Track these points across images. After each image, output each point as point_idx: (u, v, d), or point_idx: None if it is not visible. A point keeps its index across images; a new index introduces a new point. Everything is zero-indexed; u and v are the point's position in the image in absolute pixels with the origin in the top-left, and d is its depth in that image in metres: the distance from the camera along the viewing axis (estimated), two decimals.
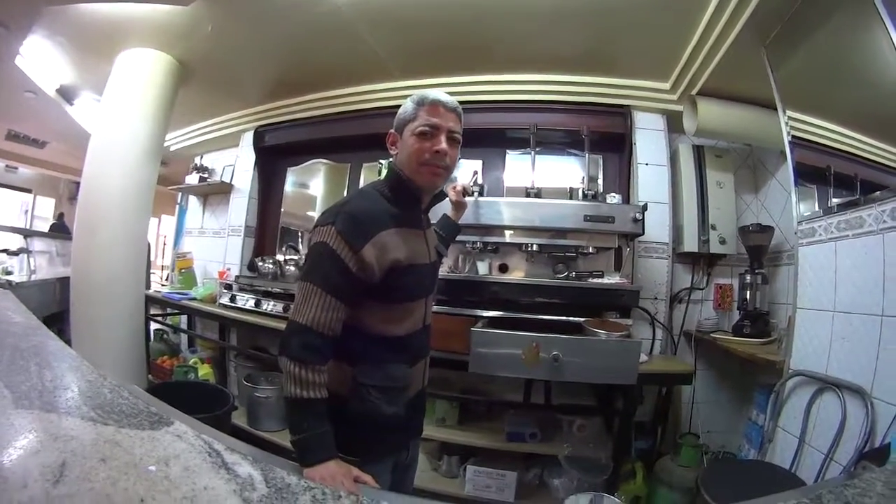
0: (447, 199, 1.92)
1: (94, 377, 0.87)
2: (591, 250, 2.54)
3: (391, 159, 1.37)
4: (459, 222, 1.98)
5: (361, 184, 3.66)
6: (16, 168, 8.24)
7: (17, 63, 3.58)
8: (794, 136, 2.18)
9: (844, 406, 1.70)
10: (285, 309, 2.98)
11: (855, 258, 1.78)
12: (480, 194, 2.77)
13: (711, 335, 2.82)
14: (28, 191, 9.10)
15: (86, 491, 0.52)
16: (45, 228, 7.85)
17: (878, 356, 1.61)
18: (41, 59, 3.61)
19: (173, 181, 4.87)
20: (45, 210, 9.36)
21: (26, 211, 9.11)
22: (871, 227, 1.72)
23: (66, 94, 4.19)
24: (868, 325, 1.67)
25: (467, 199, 2.08)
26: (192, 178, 4.55)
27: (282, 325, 2.77)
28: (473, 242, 2.62)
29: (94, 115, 3.75)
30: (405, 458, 1.42)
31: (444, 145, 1.28)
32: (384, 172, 2.69)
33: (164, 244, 8.23)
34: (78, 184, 3.32)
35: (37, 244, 4.09)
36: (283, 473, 0.62)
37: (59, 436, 0.63)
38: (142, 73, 3.26)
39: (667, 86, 2.98)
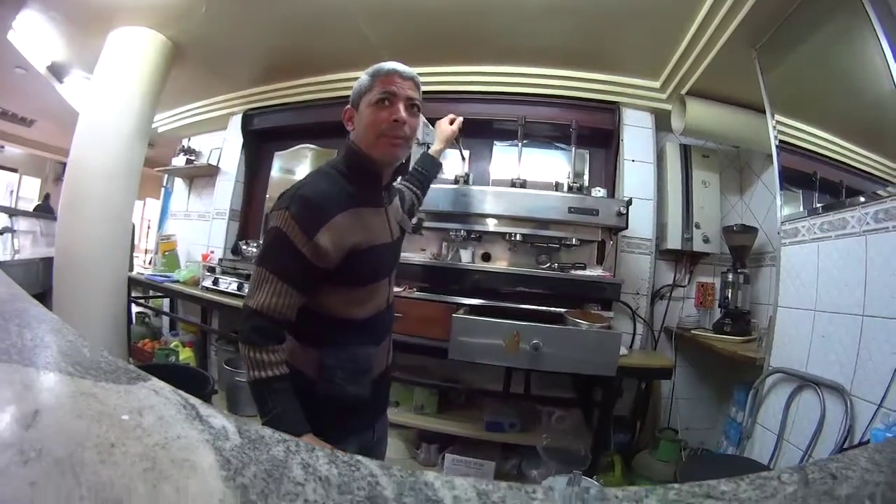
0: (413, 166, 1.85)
1: (74, 338, 0.86)
2: (574, 242, 2.55)
3: (348, 136, 1.31)
4: (442, 160, 1.92)
5: None
6: (2, 147, 8.10)
7: (9, 38, 3.52)
8: (781, 141, 2.21)
9: (823, 403, 1.73)
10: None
11: (837, 259, 1.81)
12: (466, 182, 2.77)
13: (692, 332, 2.85)
14: (14, 170, 8.93)
15: (57, 435, 0.52)
16: (30, 209, 7.73)
17: (857, 354, 1.64)
18: (33, 34, 3.53)
19: (160, 163, 4.81)
20: (30, 191, 9.21)
21: (11, 191, 8.96)
22: (853, 229, 1.74)
23: (57, 71, 4.11)
24: (848, 324, 1.69)
25: (454, 126, 1.97)
26: (179, 161, 4.51)
27: None
28: (457, 230, 2.62)
29: (83, 93, 3.68)
30: (370, 438, 1.41)
31: (402, 113, 1.22)
32: None
33: (149, 228, 8.14)
34: (64, 164, 3.27)
35: (21, 224, 4.04)
36: (257, 426, 0.62)
37: (34, 387, 0.63)
38: (134, 51, 3.21)
39: (657, 84, 3.00)
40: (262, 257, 1.17)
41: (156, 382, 0.70)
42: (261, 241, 1.22)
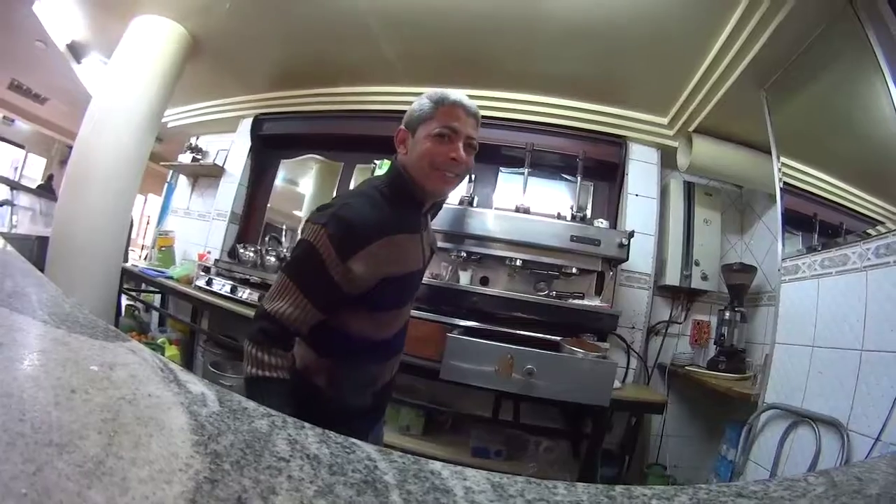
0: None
1: (56, 293, 0.84)
2: (574, 271, 2.54)
3: (395, 157, 1.26)
4: None
5: (352, 184, 3.65)
6: (12, 121, 8.06)
7: (34, 9, 3.51)
8: (785, 183, 2.21)
9: (819, 439, 1.69)
10: (261, 298, 2.92)
11: (837, 295, 1.79)
12: (471, 204, 2.77)
13: (686, 368, 2.83)
14: (21, 146, 8.91)
15: (12, 371, 0.50)
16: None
17: (855, 389, 1.61)
18: (58, 8, 3.53)
19: (166, 159, 4.81)
20: (34, 171, 9.17)
21: (16, 168, 8.93)
22: (854, 265, 1.73)
23: (76, 51, 4.09)
24: (847, 359, 1.67)
25: None
26: (185, 158, 4.50)
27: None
28: (458, 251, 2.61)
29: (99, 76, 3.68)
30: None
31: (461, 153, 1.18)
32: (379, 171, 2.68)
33: (148, 223, 8.11)
34: (71, 147, 3.25)
35: (22, 199, 4.02)
36: (240, 398, 0.59)
37: (2, 325, 0.60)
38: (153, 40, 3.22)
39: (665, 120, 3.03)
40: (290, 265, 1.15)
41: (135, 344, 0.68)
42: (289, 248, 1.20)
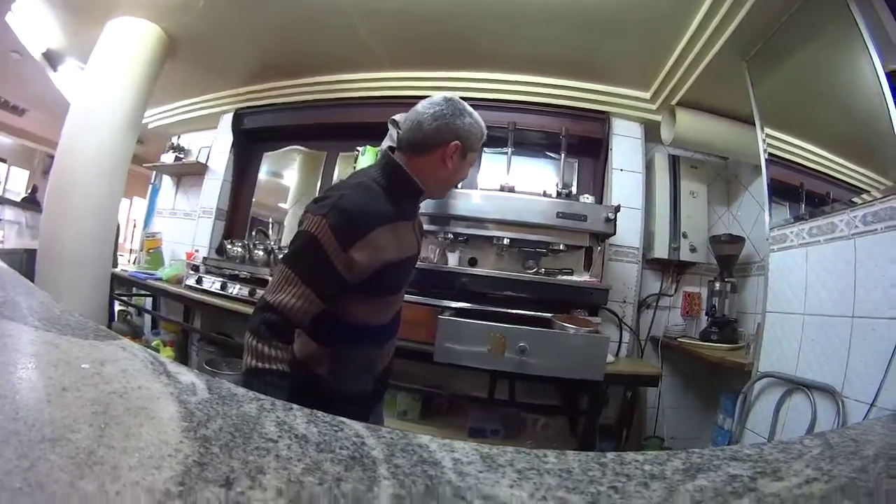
0: None
1: (46, 299, 0.85)
2: (561, 248, 2.55)
3: (388, 151, 1.32)
4: None
5: (336, 174, 3.65)
6: None
7: (7, 20, 3.45)
8: (770, 154, 2.21)
9: (814, 406, 1.72)
10: (251, 293, 2.92)
11: (826, 262, 1.81)
12: (455, 186, 2.76)
13: (678, 340, 2.86)
14: (2, 160, 8.79)
15: (5, 375, 0.51)
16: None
17: (848, 355, 1.63)
18: (31, 18, 3.48)
19: (149, 161, 4.76)
20: (17, 183, 9.05)
21: None
22: (842, 233, 1.74)
23: (52, 59, 4.02)
24: (839, 326, 1.69)
25: None
26: (168, 158, 4.47)
27: (246, 309, 2.71)
28: (445, 233, 2.60)
29: (76, 83, 3.63)
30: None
31: None
32: (362, 158, 2.66)
33: (134, 227, 8.03)
34: (53, 157, 3.21)
35: (7, 213, 3.97)
36: (229, 385, 0.60)
37: None
38: (129, 42, 3.17)
39: (647, 95, 3.02)
40: (290, 258, 1.17)
41: (126, 342, 0.69)
42: (290, 241, 1.21)
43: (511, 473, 0.45)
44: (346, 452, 0.46)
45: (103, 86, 3.16)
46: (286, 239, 3.70)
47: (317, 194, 3.62)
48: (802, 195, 2.06)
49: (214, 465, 0.39)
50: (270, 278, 1.21)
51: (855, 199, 1.72)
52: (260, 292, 2.85)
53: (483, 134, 1.32)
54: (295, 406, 0.56)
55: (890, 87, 1.55)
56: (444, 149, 1.25)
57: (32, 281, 3.09)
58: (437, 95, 1.29)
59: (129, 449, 0.39)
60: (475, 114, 1.30)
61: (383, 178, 1.26)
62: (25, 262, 3.60)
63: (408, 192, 1.29)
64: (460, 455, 0.48)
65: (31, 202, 7.33)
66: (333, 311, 1.20)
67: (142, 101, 3.34)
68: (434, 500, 0.39)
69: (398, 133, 2.21)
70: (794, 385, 1.86)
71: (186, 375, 0.60)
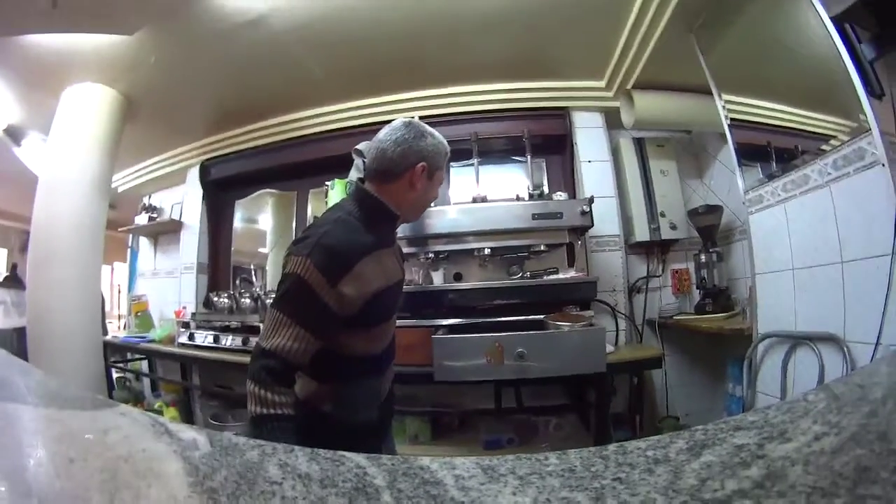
0: None
1: (41, 377, 0.85)
2: (542, 248, 2.55)
3: (355, 181, 1.35)
4: None
5: (310, 211, 3.66)
6: None
7: None
8: (732, 119, 2.24)
9: (820, 356, 1.72)
10: (244, 342, 2.91)
11: (805, 214, 1.83)
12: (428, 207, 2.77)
13: (674, 318, 2.87)
14: None
15: (11, 457, 0.52)
16: None
17: (845, 301, 1.64)
18: None
19: (123, 224, 4.73)
20: None
21: None
22: (816, 182, 1.76)
23: (13, 134, 3.97)
24: (829, 274, 1.70)
25: None
26: (142, 219, 4.45)
27: (242, 359, 2.69)
28: (426, 253, 2.61)
29: (41, 155, 3.61)
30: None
31: None
32: (332, 192, 2.66)
33: (119, 292, 7.95)
34: (29, 232, 3.19)
35: None
36: (230, 436, 0.61)
37: None
38: (87, 108, 3.17)
39: (602, 83, 3.06)
40: (280, 301, 1.17)
41: (124, 407, 0.70)
42: (276, 285, 1.22)
43: (513, 481, 0.45)
44: (350, 485, 0.47)
45: (68, 155, 3.15)
46: (271, 283, 3.69)
47: (293, 234, 3.66)
48: (772, 153, 2.09)
49: None
50: (262, 325, 1.23)
51: (823, 147, 1.74)
52: (253, 339, 2.84)
53: (447, 151, 1.35)
54: (296, 447, 0.57)
55: (837, 30, 1.57)
56: (411, 172, 1.28)
57: (26, 359, 3.07)
58: (397, 121, 1.32)
59: None
60: (436, 133, 1.33)
61: (358, 210, 1.28)
62: (17, 341, 3.56)
63: (383, 220, 1.31)
64: (461, 471, 0.49)
65: (13, 280, 7.23)
66: (330, 348, 1.20)
67: (108, 165, 3.33)
68: None
69: (364, 162, 2.26)
70: (797, 340, 1.87)
71: (187, 432, 0.61)
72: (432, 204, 1.53)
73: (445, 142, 1.35)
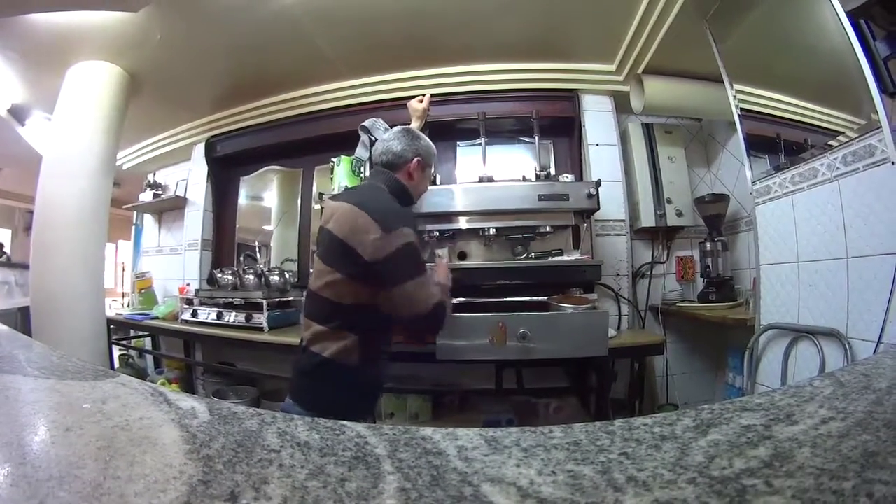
0: None
1: (44, 350, 0.86)
2: (548, 230, 2.54)
3: (391, 173, 1.63)
4: None
5: (315, 188, 3.66)
6: None
7: None
8: (742, 109, 2.22)
9: (822, 351, 1.73)
10: (247, 318, 2.91)
11: (812, 207, 1.82)
12: (433, 183, 2.76)
13: (677, 306, 2.87)
14: None
15: (10, 425, 0.53)
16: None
17: (848, 296, 1.64)
18: None
19: (128, 201, 4.73)
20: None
21: None
22: (825, 176, 1.75)
23: (17, 113, 3.96)
24: (834, 269, 1.70)
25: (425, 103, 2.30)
26: (147, 196, 4.45)
27: (245, 336, 2.71)
28: (430, 231, 2.60)
29: (45, 134, 3.60)
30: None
31: None
32: (338, 168, 2.65)
33: (123, 270, 7.97)
34: (32, 212, 3.19)
35: None
36: (229, 405, 0.61)
37: None
38: (92, 86, 3.15)
39: (612, 67, 3.03)
40: (414, 268, 1.43)
41: (124, 377, 0.71)
42: (384, 261, 1.42)
43: (517, 453, 0.45)
44: (349, 454, 0.46)
45: (72, 133, 3.14)
46: (275, 260, 3.69)
47: (299, 211, 3.65)
48: (780, 145, 2.07)
49: (219, 482, 0.40)
50: (402, 297, 1.41)
51: (832, 142, 1.72)
52: (256, 316, 2.85)
53: (435, 152, 1.76)
54: (295, 416, 0.57)
55: (852, 25, 1.55)
56: (409, 164, 1.64)
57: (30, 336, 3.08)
58: (397, 128, 1.73)
59: (134, 477, 0.40)
60: (426, 138, 1.73)
61: (395, 195, 1.57)
62: (21, 320, 3.57)
63: (406, 202, 1.65)
64: (464, 442, 0.49)
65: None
66: (368, 302, 1.45)
67: (113, 142, 3.32)
68: (440, 488, 0.39)
69: (370, 139, 2.30)
70: (799, 333, 1.87)
71: (186, 401, 0.61)
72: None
73: (433, 145, 1.74)
